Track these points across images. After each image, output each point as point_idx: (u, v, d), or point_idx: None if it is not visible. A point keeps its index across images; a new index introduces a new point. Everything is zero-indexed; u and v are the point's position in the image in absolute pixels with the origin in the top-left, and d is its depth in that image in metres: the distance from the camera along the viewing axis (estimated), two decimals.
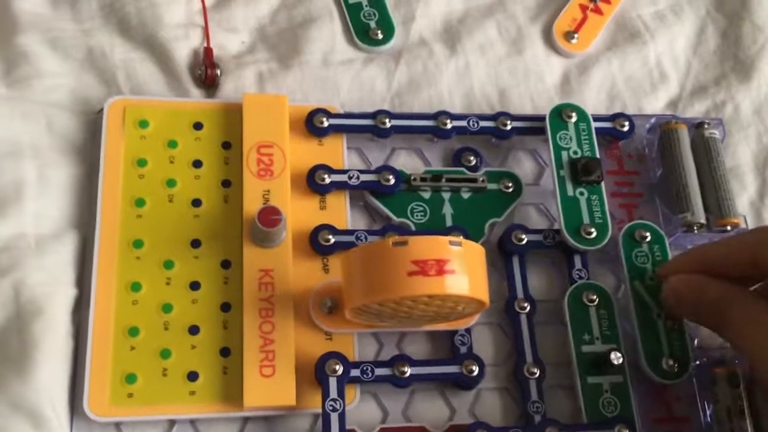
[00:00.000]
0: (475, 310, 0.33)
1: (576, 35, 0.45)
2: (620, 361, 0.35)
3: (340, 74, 0.42)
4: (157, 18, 0.40)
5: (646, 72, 0.45)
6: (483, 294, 0.32)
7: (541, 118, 0.40)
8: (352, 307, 0.32)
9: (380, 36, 0.43)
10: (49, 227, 0.35)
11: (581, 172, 0.39)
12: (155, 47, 0.40)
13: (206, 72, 0.40)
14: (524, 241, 0.38)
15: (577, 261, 0.38)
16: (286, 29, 0.43)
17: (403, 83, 0.42)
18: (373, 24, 0.43)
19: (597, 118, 0.41)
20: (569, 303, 0.37)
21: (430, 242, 0.31)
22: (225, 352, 0.34)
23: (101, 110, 0.38)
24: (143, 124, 0.38)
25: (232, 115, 0.39)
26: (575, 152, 0.39)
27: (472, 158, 0.40)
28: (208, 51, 0.40)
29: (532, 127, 0.40)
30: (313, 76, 0.41)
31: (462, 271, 0.31)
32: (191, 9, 0.42)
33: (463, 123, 0.40)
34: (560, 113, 0.40)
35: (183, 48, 0.40)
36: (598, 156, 0.39)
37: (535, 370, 0.36)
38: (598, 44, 0.45)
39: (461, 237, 0.32)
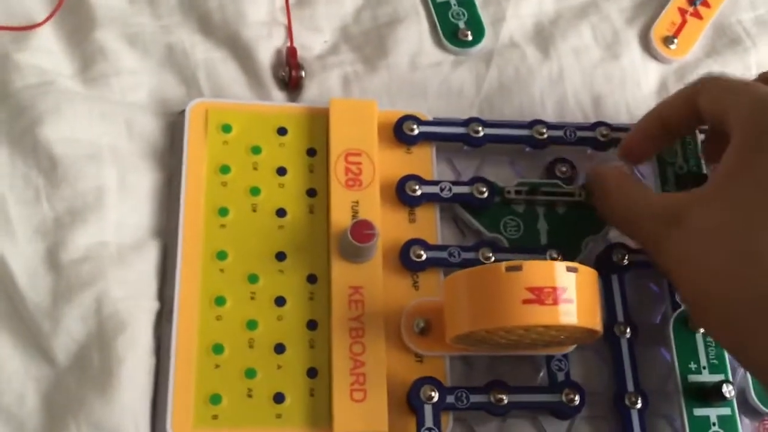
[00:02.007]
0: (586, 339, 0.31)
1: (675, 40, 0.42)
2: (732, 394, 0.33)
3: (428, 78, 0.40)
4: (240, 15, 0.38)
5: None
6: (598, 324, 0.30)
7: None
8: (458, 334, 0.30)
9: (470, 37, 0.40)
10: (131, 236, 0.34)
11: (683, 183, 0.36)
12: (238, 46, 0.38)
13: (290, 73, 0.38)
14: (626, 261, 0.35)
15: None
16: (371, 29, 0.40)
17: (494, 88, 0.40)
18: (462, 24, 0.41)
19: (702, 130, 0.38)
20: (675, 329, 0.35)
21: (545, 268, 0.29)
22: (312, 372, 0.33)
23: (182, 112, 0.36)
24: (226, 128, 0.36)
25: (318, 120, 0.37)
26: (681, 167, 0.37)
27: (565, 169, 0.38)
28: (292, 51, 0.38)
29: None
30: (399, 79, 0.39)
31: (578, 299, 0.29)
32: (274, 6, 0.40)
33: (560, 133, 0.38)
34: None
35: (266, 48, 0.38)
36: (705, 171, 0.37)
37: (638, 400, 0.34)
38: (696, 50, 0.43)
39: (577, 263, 0.30)
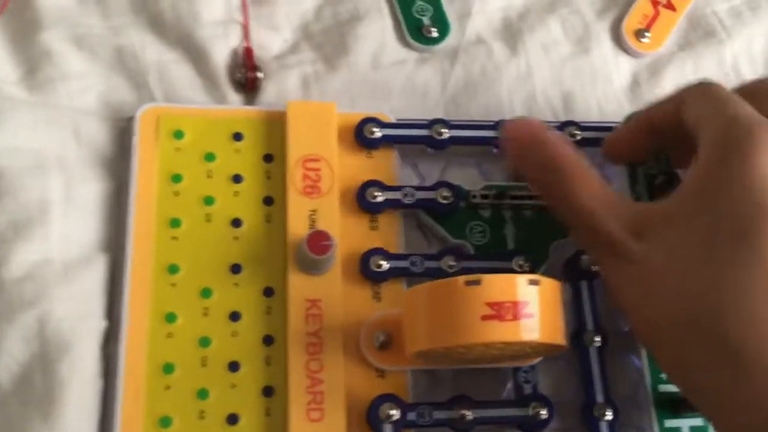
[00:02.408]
0: (550, 352, 0.30)
1: (648, 33, 0.41)
2: None
3: (391, 77, 0.38)
4: (194, 14, 0.37)
5: (721, 74, 0.41)
6: (562, 338, 0.28)
7: (612, 128, 0.36)
8: (416, 351, 0.29)
9: (434, 34, 0.39)
10: (78, 251, 0.32)
11: (657, 189, 0.35)
12: (191, 47, 0.36)
13: (247, 75, 0.36)
14: (595, 267, 0.34)
15: None
16: (332, 26, 0.39)
17: (460, 86, 0.39)
18: (426, 20, 0.39)
19: None
20: None
21: (505, 281, 0.27)
22: (268, 391, 0.31)
23: (131, 118, 0.34)
24: (178, 134, 0.34)
25: (275, 124, 0.35)
26: (650, 167, 0.36)
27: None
28: (248, 51, 0.37)
29: (603, 137, 0.37)
30: (361, 79, 0.38)
31: (540, 313, 0.27)
32: (230, 4, 0.38)
33: None
34: None
35: (221, 48, 0.37)
36: (676, 171, 0.36)
37: (608, 413, 0.32)
38: (669, 44, 0.41)
39: (539, 275, 0.28)
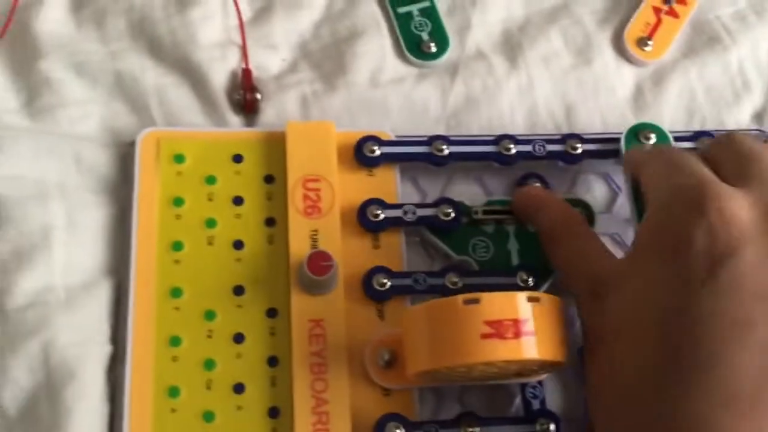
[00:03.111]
0: (553, 369, 0.29)
1: (650, 42, 0.40)
2: None
3: (390, 94, 0.38)
4: (191, 37, 0.37)
5: (727, 80, 0.41)
6: (562, 355, 0.28)
7: (615, 140, 0.36)
8: (417, 371, 0.29)
9: (434, 49, 0.39)
10: (81, 277, 0.32)
11: None
12: (190, 71, 0.37)
13: (245, 97, 0.36)
14: None
15: None
16: (330, 44, 0.39)
17: (460, 102, 0.38)
18: (425, 35, 0.39)
19: (678, 138, 0.37)
20: None
21: (504, 299, 0.27)
22: (273, 412, 0.31)
23: (132, 143, 0.35)
24: (179, 158, 0.34)
25: (275, 145, 0.35)
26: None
27: (538, 185, 0.36)
28: (246, 73, 0.37)
29: (605, 149, 0.36)
30: (360, 97, 0.38)
31: (541, 330, 0.27)
32: (228, 25, 0.38)
33: (528, 148, 0.36)
34: (637, 135, 0.36)
35: (220, 70, 0.37)
36: None
37: None
38: (673, 51, 0.41)
39: (539, 292, 0.28)
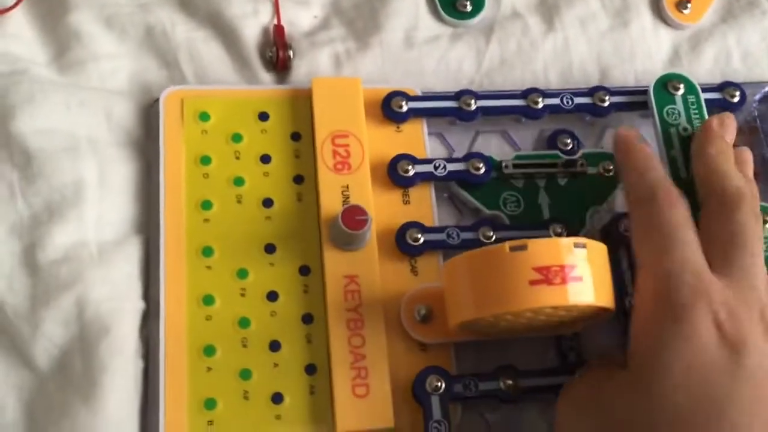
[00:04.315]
0: (597, 317, 0.29)
1: (689, 5, 0.40)
2: None
3: (425, 55, 0.37)
4: None
5: (765, 47, 0.40)
6: (610, 301, 0.28)
7: (643, 92, 0.36)
8: (462, 321, 0.28)
9: (469, 8, 0.38)
10: (113, 233, 0.32)
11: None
12: (221, 25, 0.36)
13: (277, 54, 0.35)
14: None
15: None
16: (363, 1, 0.38)
17: (495, 63, 0.38)
18: None
19: (704, 89, 0.36)
20: None
21: (552, 245, 0.27)
22: (310, 369, 0.31)
23: (156, 101, 0.34)
24: (204, 116, 0.34)
25: (301, 102, 0.35)
26: (685, 129, 0.35)
27: (569, 141, 0.36)
28: (279, 30, 0.36)
29: (634, 102, 0.36)
30: (394, 57, 0.37)
31: (588, 276, 0.27)
32: None
33: (556, 101, 0.36)
34: (665, 85, 0.36)
35: (251, 26, 0.36)
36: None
37: None
38: (711, 15, 0.40)
39: (585, 238, 0.28)
